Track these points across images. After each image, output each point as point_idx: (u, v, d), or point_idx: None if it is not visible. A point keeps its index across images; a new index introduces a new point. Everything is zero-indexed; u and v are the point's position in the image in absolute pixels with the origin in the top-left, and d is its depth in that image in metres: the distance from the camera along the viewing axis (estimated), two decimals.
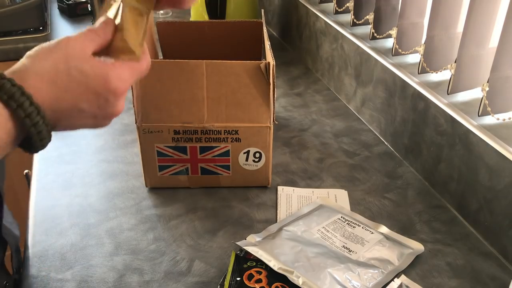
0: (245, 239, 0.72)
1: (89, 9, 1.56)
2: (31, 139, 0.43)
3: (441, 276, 0.68)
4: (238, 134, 0.78)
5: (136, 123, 0.77)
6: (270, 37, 1.47)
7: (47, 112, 0.43)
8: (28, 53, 0.45)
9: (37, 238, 0.74)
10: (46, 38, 1.47)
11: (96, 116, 0.47)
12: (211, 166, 0.81)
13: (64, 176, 0.87)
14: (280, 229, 0.73)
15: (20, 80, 0.41)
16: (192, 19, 1.28)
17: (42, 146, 0.45)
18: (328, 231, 0.72)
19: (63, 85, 0.43)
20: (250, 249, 0.68)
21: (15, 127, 0.42)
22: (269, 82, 0.76)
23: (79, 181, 0.86)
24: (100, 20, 0.49)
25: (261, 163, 0.81)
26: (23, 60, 0.44)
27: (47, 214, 0.79)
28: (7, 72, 0.43)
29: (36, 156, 0.93)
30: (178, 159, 0.80)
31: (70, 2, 1.63)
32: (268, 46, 0.80)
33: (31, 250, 0.72)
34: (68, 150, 0.95)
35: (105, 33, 0.48)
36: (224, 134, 0.78)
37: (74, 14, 1.64)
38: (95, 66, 0.45)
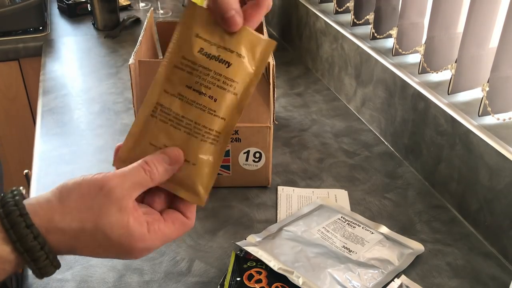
0: (245, 239, 0.72)
1: (89, 9, 1.56)
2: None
3: (441, 276, 0.68)
4: (238, 134, 0.78)
5: None
6: (270, 36, 1.47)
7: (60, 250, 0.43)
8: (63, 189, 0.43)
9: None
10: (46, 38, 1.47)
11: (118, 257, 0.45)
12: None
13: (64, 176, 0.87)
14: (280, 229, 0.73)
15: (46, 232, 0.41)
16: None
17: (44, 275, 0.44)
18: (328, 231, 0.72)
19: (84, 242, 0.42)
20: (250, 249, 0.68)
21: (17, 258, 0.41)
22: (269, 82, 0.76)
23: None
24: (161, 150, 0.45)
25: (261, 163, 0.81)
26: (55, 200, 0.43)
27: None
28: (33, 207, 0.41)
29: (36, 156, 0.93)
30: None
31: (70, 2, 1.63)
32: None
33: None
34: (68, 150, 0.95)
35: (162, 174, 0.45)
36: None
37: (74, 14, 1.64)
38: (124, 235, 0.42)
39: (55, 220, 0.41)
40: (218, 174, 0.82)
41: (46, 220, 0.41)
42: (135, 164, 0.44)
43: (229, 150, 0.79)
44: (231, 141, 0.79)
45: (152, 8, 0.99)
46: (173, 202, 0.47)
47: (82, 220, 0.42)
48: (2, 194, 0.42)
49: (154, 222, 0.44)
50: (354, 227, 0.74)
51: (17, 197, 0.41)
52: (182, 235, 0.47)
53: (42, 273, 0.42)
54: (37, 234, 0.40)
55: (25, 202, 0.42)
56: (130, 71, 0.73)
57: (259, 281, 0.64)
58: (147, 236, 0.43)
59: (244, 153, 0.80)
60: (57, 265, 0.43)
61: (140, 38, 0.80)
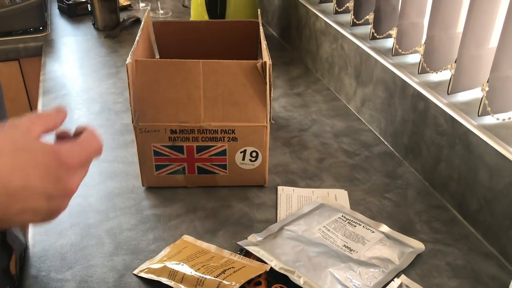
0: (246, 239, 0.72)
1: (89, 9, 1.56)
2: None
3: (441, 276, 0.68)
4: (234, 133, 0.78)
5: (132, 122, 0.77)
6: (270, 37, 1.47)
7: None
8: None
9: (37, 238, 0.74)
10: (46, 38, 1.47)
11: (51, 195, 0.44)
12: (208, 166, 0.81)
13: None
14: (281, 228, 0.73)
15: None
16: (192, 19, 1.29)
17: None
18: (329, 230, 0.72)
19: (10, 164, 0.41)
20: (251, 248, 0.68)
21: None
22: (266, 81, 0.76)
23: None
24: (55, 107, 0.49)
25: (257, 162, 0.81)
26: None
27: None
28: None
29: None
30: (175, 158, 0.80)
31: (70, 2, 1.63)
32: (264, 46, 0.80)
33: (31, 250, 0.72)
34: None
35: (55, 119, 0.47)
36: (221, 134, 0.78)
37: (74, 14, 1.64)
38: (43, 143, 0.43)
39: None
40: (215, 173, 0.82)
41: None
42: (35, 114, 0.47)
43: (225, 150, 0.79)
44: (228, 140, 0.79)
45: (149, 9, 0.99)
46: None
47: None
48: None
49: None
50: (354, 226, 0.74)
51: None
52: (97, 142, 0.48)
53: None
54: None
55: None
56: (127, 70, 0.73)
57: (258, 283, 0.64)
58: (66, 141, 0.45)
59: (241, 152, 0.80)
60: None
61: (137, 38, 0.80)
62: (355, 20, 1.08)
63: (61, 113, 0.48)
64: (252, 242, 0.71)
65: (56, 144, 0.45)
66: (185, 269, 0.64)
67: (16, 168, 0.41)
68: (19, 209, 0.42)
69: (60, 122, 0.48)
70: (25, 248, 0.72)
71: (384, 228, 0.75)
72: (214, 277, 0.62)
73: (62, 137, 0.50)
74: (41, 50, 1.42)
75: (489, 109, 0.74)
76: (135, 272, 0.67)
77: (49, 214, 0.45)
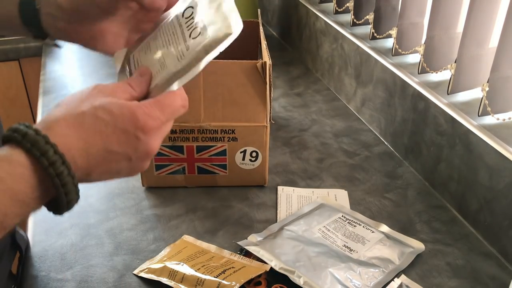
0: (246, 239, 0.72)
1: None
2: (57, 197, 0.40)
3: (441, 276, 0.68)
4: (234, 133, 0.78)
5: None
6: (270, 37, 1.47)
7: (77, 160, 0.41)
8: (58, 102, 0.44)
9: (37, 238, 0.74)
10: None
11: (130, 157, 0.44)
12: (208, 166, 0.81)
13: None
14: (281, 228, 0.73)
15: (47, 129, 0.40)
16: None
17: (68, 204, 0.41)
18: (329, 230, 0.72)
19: (90, 127, 0.42)
20: (251, 248, 0.68)
21: (40, 182, 0.39)
22: (266, 81, 0.76)
23: None
24: (136, 72, 0.48)
25: (257, 162, 0.81)
26: (52, 109, 0.43)
27: (47, 214, 0.78)
28: (37, 122, 0.41)
29: None
30: (175, 158, 0.80)
31: None
32: (264, 46, 0.80)
33: (31, 250, 0.72)
34: None
35: (140, 85, 0.47)
36: (221, 134, 0.78)
37: None
38: (122, 105, 0.43)
39: (53, 116, 0.41)
40: (215, 173, 0.82)
41: (45, 121, 0.41)
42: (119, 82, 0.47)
43: (225, 150, 0.79)
44: (228, 140, 0.79)
45: None
46: None
47: (79, 106, 0.42)
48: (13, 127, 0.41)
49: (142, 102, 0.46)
50: (354, 226, 0.74)
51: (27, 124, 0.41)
52: (179, 103, 0.47)
53: (68, 200, 0.40)
54: (54, 144, 0.39)
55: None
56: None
57: (258, 283, 0.64)
58: (142, 104, 0.44)
59: (241, 152, 0.80)
60: (78, 192, 0.41)
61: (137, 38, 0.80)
62: (355, 20, 1.08)
63: (146, 76, 0.47)
64: (252, 242, 0.71)
65: (134, 106, 0.43)
66: (185, 269, 0.64)
67: (96, 133, 0.42)
68: (101, 171, 0.43)
69: (145, 89, 0.47)
70: (27, 246, 0.72)
71: (384, 228, 0.75)
72: (214, 277, 0.62)
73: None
74: (41, 50, 1.42)
75: (489, 109, 0.74)
76: (135, 272, 0.67)
77: (129, 173, 0.46)
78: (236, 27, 0.46)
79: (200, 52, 0.45)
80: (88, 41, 0.52)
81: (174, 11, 0.52)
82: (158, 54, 0.49)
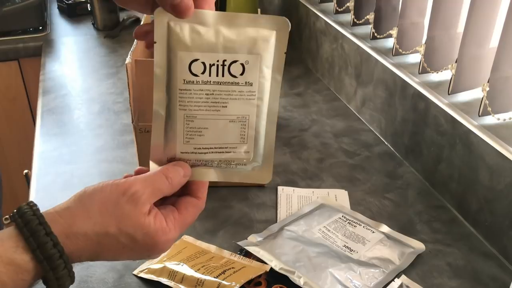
0: (246, 239, 0.72)
1: (89, 9, 1.56)
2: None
3: (442, 276, 0.68)
4: None
5: (132, 122, 0.77)
6: None
7: (82, 258, 0.43)
8: (82, 195, 0.43)
9: None
10: (46, 38, 1.47)
11: (142, 256, 0.46)
12: None
13: (64, 176, 0.87)
14: (281, 228, 0.73)
15: (65, 237, 0.41)
16: None
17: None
18: (329, 230, 0.72)
19: (107, 246, 0.42)
20: (251, 249, 0.68)
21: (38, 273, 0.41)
22: None
23: (79, 181, 0.85)
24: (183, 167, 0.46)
25: None
26: (75, 206, 0.42)
27: None
28: (52, 216, 0.41)
29: (36, 156, 0.93)
30: None
31: (70, 2, 1.63)
32: None
33: None
34: (68, 150, 0.95)
35: (180, 182, 0.46)
36: None
37: (74, 14, 1.64)
38: (147, 234, 0.43)
39: (77, 225, 0.41)
40: None
41: (66, 227, 0.41)
42: (156, 171, 0.45)
43: None
44: None
45: None
46: (182, 189, 0.48)
47: (105, 224, 0.42)
48: (19, 206, 0.42)
49: (169, 213, 0.45)
50: (355, 226, 0.73)
51: (34, 207, 0.42)
52: (197, 216, 0.48)
53: (59, 284, 0.41)
54: (56, 242, 0.40)
55: (43, 212, 0.42)
56: (127, 70, 0.73)
57: (258, 283, 0.64)
58: (167, 229, 0.44)
59: None
60: (72, 277, 0.42)
61: None
62: (355, 20, 1.08)
63: (186, 175, 0.47)
64: (252, 242, 0.71)
65: (158, 234, 0.44)
66: (185, 269, 0.64)
67: (111, 250, 0.43)
68: (110, 258, 0.45)
69: (181, 184, 0.47)
70: None
71: (384, 228, 0.74)
72: (214, 277, 0.62)
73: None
74: (40, 50, 1.42)
75: (489, 109, 0.74)
76: (135, 272, 0.67)
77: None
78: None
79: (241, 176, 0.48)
80: None
81: None
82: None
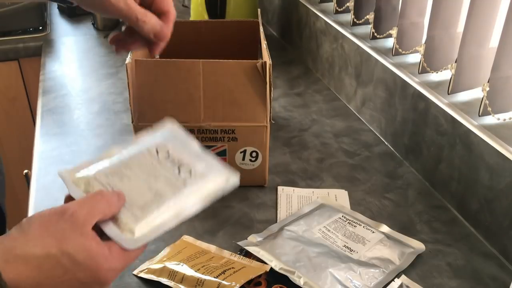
0: (246, 239, 0.72)
1: None
2: None
3: (442, 276, 0.68)
4: (234, 133, 0.78)
5: (132, 122, 0.77)
6: (270, 36, 1.47)
7: None
8: (22, 222, 0.42)
9: None
10: (46, 38, 1.47)
11: None
12: None
13: None
14: (281, 228, 0.73)
15: (4, 261, 0.39)
16: (192, 18, 1.28)
17: None
18: (329, 230, 0.72)
19: (48, 271, 0.41)
20: (251, 249, 0.68)
21: None
22: (266, 81, 0.76)
23: None
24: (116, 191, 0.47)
25: (257, 163, 0.81)
26: (16, 232, 0.42)
27: None
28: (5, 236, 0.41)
29: (36, 156, 0.93)
30: None
31: None
32: (264, 46, 0.80)
33: None
34: (68, 150, 0.95)
35: (117, 205, 0.46)
36: (221, 134, 0.78)
37: (74, 14, 1.64)
38: (89, 256, 0.42)
39: (16, 248, 0.40)
40: None
41: (6, 251, 0.40)
42: (93, 192, 0.46)
43: (225, 150, 0.79)
44: (228, 141, 0.79)
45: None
46: None
47: (46, 245, 0.41)
48: None
49: (112, 244, 0.45)
50: (355, 226, 0.73)
51: None
52: (141, 253, 0.47)
53: None
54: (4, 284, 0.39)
55: None
56: (127, 70, 0.73)
57: (258, 283, 0.64)
58: (110, 257, 0.43)
59: (241, 152, 0.80)
60: None
61: None
62: (355, 20, 1.08)
63: (121, 197, 0.47)
64: (252, 242, 0.71)
65: (101, 257, 0.43)
66: (185, 269, 0.64)
67: (52, 277, 0.41)
68: None
69: (117, 210, 0.46)
70: None
71: (384, 228, 0.74)
72: (214, 277, 0.62)
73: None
74: (40, 50, 1.42)
75: (489, 109, 0.74)
76: (135, 272, 0.67)
77: None
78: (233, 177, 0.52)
79: (206, 194, 0.50)
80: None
81: (132, 149, 0.54)
82: (145, 183, 0.50)
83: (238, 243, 0.70)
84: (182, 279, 0.63)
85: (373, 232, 0.73)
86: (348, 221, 0.75)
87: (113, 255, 0.44)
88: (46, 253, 0.41)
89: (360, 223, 0.74)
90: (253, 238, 0.72)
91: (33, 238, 0.41)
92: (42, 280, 0.41)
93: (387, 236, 0.72)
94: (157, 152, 0.52)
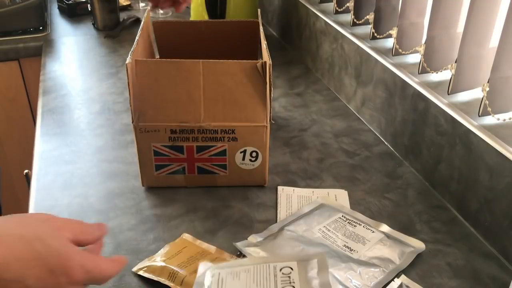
0: (247, 239, 0.72)
1: (89, 9, 1.56)
2: None
3: (441, 276, 0.68)
4: (234, 133, 0.78)
5: (132, 122, 0.77)
6: (270, 37, 1.47)
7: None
8: (9, 215, 0.43)
9: None
10: (46, 38, 1.47)
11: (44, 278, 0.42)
12: (208, 166, 0.81)
13: (64, 176, 0.87)
14: (281, 229, 0.73)
15: None
16: (192, 19, 1.28)
17: None
18: (329, 230, 0.72)
19: (19, 252, 0.40)
20: (251, 250, 0.68)
21: None
22: (266, 81, 0.76)
23: (79, 181, 0.86)
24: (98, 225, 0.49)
25: (257, 162, 0.81)
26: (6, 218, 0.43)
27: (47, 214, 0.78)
28: None
29: (36, 156, 0.93)
30: (175, 158, 0.80)
31: (70, 2, 1.63)
32: (264, 46, 0.80)
33: None
34: (68, 150, 0.95)
35: (92, 235, 0.47)
36: (221, 133, 0.78)
37: (74, 14, 1.64)
38: (63, 244, 0.42)
39: None
40: (215, 173, 0.82)
41: None
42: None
43: (225, 150, 0.79)
44: (228, 140, 0.79)
45: (148, 8, 0.99)
46: None
47: (22, 230, 0.41)
48: None
49: (89, 251, 0.46)
50: (355, 226, 0.74)
51: None
52: (117, 269, 0.48)
53: None
54: None
55: None
56: (127, 70, 0.73)
57: None
58: (84, 254, 0.44)
59: (241, 152, 0.80)
60: None
61: (137, 38, 0.80)
62: (355, 20, 1.08)
63: (102, 230, 0.48)
64: (252, 243, 0.71)
65: (75, 253, 0.43)
66: (185, 272, 0.64)
67: (21, 260, 0.40)
68: (18, 271, 0.42)
69: (94, 240, 0.47)
70: None
71: (385, 227, 0.74)
72: None
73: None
74: (41, 50, 1.42)
75: (489, 109, 0.74)
76: (134, 269, 0.67)
77: None
78: None
79: None
80: None
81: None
82: (247, 286, 0.56)
83: (238, 244, 0.70)
84: (182, 282, 0.63)
85: (373, 231, 0.73)
86: (348, 220, 0.75)
87: (87, 254, 0.44)
88: (20, 235, 0.41)
89: (360, 223, 0.74)
90: (253, 238, 0.72)
91: (10, 222, 0.42)
92: (12, 261, 0.40)
93: (387, 235, 0.72)
94: (281, 269, 0.58)
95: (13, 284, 0.40)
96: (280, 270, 0.58)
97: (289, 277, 0.56)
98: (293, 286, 0.55)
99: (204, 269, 0.61)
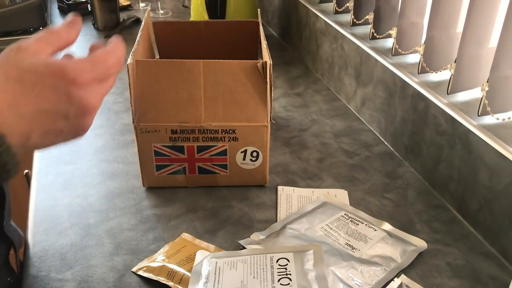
0: (249, 237, 0.72)
1: (89, 9, 1.56)
2: None
3: (441, 276, 0.68)
4: (235, 133, 0.78)
5: (133, 122, 0.77)
6: (270, 37, 1.47)
7: (11, 127, 0.39)
8: None
9: (37, 238, 0.74)
10: None
11: (67, 115, 0.41)
12: (209, 166, 0.81)
13: (64, 176, 0.87)
14: (284, 227, 0.73)
15: None
16: (192, 19, 1.29)
17: (8, 172, 0.40)
18: (331, 228, 0.72)
19: (17, 91, 0.39)
20: (253, 247, 0.68)
21: None
22: (266, 81, 0.76)
23: (79, 181, 0.86)
24: (67, 19, 0.44)
25: (258, 162, 0.81)
26: None
27: (47, 214, 0.79)
28: None
29: (36, 156, 0.93)
30: (176, 158, 0.80)
31: (70, 2, 1.63)
32: (265, 46, 0.80)
33: (31, 250, 0.72)
34: (68, 150, 0.95)
35: (68, 34, 0.44)
36: (221, 133, 0.78)
37: None
38: (48, 63, 0.40)
39: None
40: (216, 173, 0.82)
41: None
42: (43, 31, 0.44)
43: (226, 149, 0.79)
44: (228, 140, 0.79)
45: (149, 9, 0.99)
46: None
47: (4, 70, 0.40)
48: None
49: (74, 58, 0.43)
50: (357, 224, 0.74)
51: None
52: (114, 63, 0.44)
53: (7, 169, 0.39)
54: None
55: None
56: (127, 70, 0.73)
57: None
58: (71, 60, 0.41)
59: (241, 152, 0.80)
60: (15, 160, 0.40)
61: (137, 38, 0.80)
62: (355, 20, 1.08)
63: (75, 26, 0.44)
64: (255, 240, 0.71)
65: (62, 61, 0.41)
66: (184, 270, 0.64)
67: (24, 94, 0.39)
68: (40, 133, 0.41)
69: (73, 38, 0.44)
70: (24, 241, 0.72)
71: (387, 226, 0.75)
72: None
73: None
74: None
75: (489, 109, 0.74)
76: (134, 269, 0.67)
77: (73, 133, 0.43)
78: None
79: None
80: None
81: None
82: (243, 277, 0.58)
83: (241, 241, 0.70)
84: (181, 280, 0.63)
85: (375, 230, 0.73)
86: (350, 219, 0.75)
87: (75, 59, 0.42)
88: (6, 76, 0.40)
89: (363, 221, 0.74)
90: (256, 236, 0.72)
91: None
92: (17, 100, 0.39)
93: (389, 233, 0.73)
94: (277, 261, 0.60)
95: (36, 115, 0.40)
96: (277, 261, 0.59)
97: (286, 268, 0.57)
98: (290, 278, 0.56)
99: (202, 257, 0.61)
